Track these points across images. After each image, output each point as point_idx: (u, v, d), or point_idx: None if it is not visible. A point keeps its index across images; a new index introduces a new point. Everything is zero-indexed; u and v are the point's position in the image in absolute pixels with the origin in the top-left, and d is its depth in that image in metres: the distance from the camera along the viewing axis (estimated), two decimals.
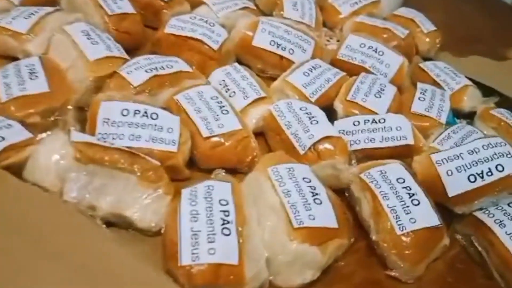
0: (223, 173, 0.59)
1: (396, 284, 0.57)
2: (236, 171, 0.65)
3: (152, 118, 0.60)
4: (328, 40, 0.97)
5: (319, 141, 0.64)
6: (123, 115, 0.60)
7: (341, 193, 0.64)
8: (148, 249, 0.53)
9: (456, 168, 0.60)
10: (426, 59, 0.97)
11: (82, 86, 0.66)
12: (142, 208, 0.54)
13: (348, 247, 0.58)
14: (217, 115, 0.64)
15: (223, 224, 0.50)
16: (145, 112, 0.60)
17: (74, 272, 0.47)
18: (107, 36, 0.73)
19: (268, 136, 0.71)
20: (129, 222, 0.54)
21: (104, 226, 0.52)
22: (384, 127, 0.68)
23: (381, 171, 0.61)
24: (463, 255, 0.63)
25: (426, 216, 0.57)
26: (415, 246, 0.56)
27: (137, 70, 0.68)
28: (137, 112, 0.60)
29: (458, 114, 0.84)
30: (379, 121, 0.69)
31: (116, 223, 0.55)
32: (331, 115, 0.73)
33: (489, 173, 0.59)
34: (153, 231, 0.54)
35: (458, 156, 0.61)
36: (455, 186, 0.60)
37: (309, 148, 0.64)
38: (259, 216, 0.55)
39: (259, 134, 0.72)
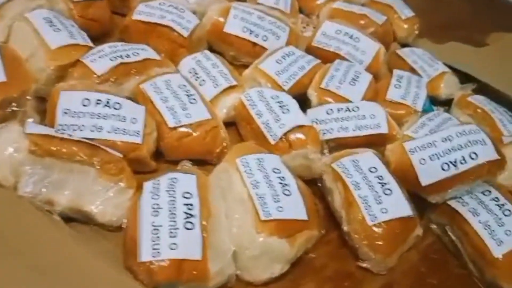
0: (189, 165, 0.57)
1: (368, 276, 0.56)
2: (206, 162, 0.63)
3: (114, 108, 0.58)
4: (304, 27, 0.95)
5: (290, 131, 0.63)
6: (84, 105, 0.57)
7: (314, 184, 0.63)
8: (110, 245, 0.51)
9: (429, 157, 0.59)
10: (404, 45, 0.95)
11: (43, 75, 0.63)
12: (102, 203, 0.51)
13: (320, 239, 0.56)
14: (185, 105, 0.62)
15: (186, 218, 0.48)
16: (108, 102, 0.58)
17: (30, 271, 0.45)
18: (71, 24, 0.70)
19: (240, 126, 0.69)
20: (90, 217, 0.52)
21: (62, 221, 0.50)
22: (358, 116, 0.67)
23: (353, 160, 0.59)
24: (437, 245, 0.62)
25: (398, 206, 0.56)
26: (386, 237, 0.54)
27: (102, 58, 0.65)
28: (98, 102, 0.57)
29: (436, 102, 0.83)
30: (352, 110, 0.67)
31: (76, 218, 0.52)
32: (305, 104, 0.72)
33: (463, 161, 0.58)
34: (114, 226, 0.52)
35: (431, 144, 0.59)
36: (428, 175, 0.58)
37: (280, 138, 0.62)
38: (227, 209, 0.54)
39: (232, 124, 0.70)
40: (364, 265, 0.56)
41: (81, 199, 0.51)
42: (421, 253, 0.60)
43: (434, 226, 0.63)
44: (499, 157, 0.59)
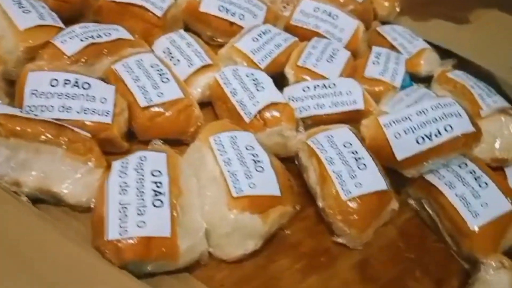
0: (161, 144, 0.56)
1: (344, 251, 0.56)
2: (181, 142, 0.63)
3: (83, 88, 0.56)
4: (284, 7, 0.93)
5: (265, 109, 0.62)
6: (52, 86, 0.56)
7: (291, 162, 0.62)
8: (81, 226, 0.50)
9: (404, 130, 0.58)
10: (386, 24, 0.94)
11: (13, 57, 0.62)
12: (71, 183, 0.50)
13: (295, 216, 0.56)
14: (156, 84, 0.61)
15: (155, 196, 0.48)
16: (76, 82, 0.56)
17: None
18: (41, 5, 0.68)
19: (216, 106, 0.68)
20: (58, 198, 0.51)
21: (29, 202, 0.49)
22: (334, 92, 0.66)
23: (328, 136, 0.59)
24: (415, 220, 0.62)
25: (373, 180, 0.55)
26: (361, 211, 0.54)
27: (72, 39, 0.63)
28: (67, 82, 0.56)
29: (416, 79, 0.82)
30: (329, 86, 0.67)
31: (46, 199, 0.51)
32: (283, 82, 0.71)
33: (438, 134, 0.57)
34: (84, 206, 0.51)
35: (406, 118, 0.58)
36: (403, 149, 0.58)
37: (255, 116, 0.61)
38: (200, 188, 0.53)
39: (208, 104, 0.69)
40: (340, 240, 0.55)
41: (49, 180, 0.50)
42: (399, 228, 0.60)
43: (411, 201, 0.62)
44: (474, 130, 0.58)
